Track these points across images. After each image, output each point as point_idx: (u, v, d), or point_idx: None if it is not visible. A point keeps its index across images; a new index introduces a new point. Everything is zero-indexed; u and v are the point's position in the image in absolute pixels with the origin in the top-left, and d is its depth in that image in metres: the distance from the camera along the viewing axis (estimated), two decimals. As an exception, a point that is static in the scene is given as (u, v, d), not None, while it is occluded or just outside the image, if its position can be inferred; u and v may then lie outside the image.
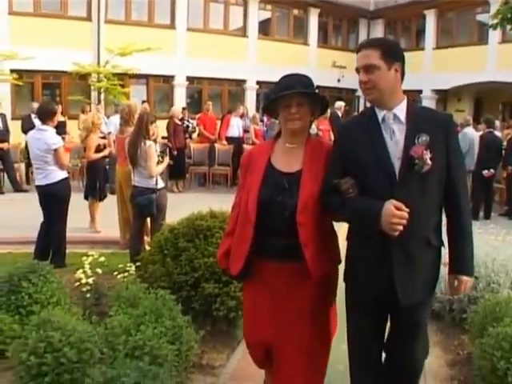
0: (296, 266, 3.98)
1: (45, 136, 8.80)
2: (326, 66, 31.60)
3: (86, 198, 11.98)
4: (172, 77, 28.43)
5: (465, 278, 3.86)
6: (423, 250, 3.79)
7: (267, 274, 4.14)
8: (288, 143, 4.20)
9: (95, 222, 12.05)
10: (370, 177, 3.71)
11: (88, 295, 6.60)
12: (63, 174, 9.00)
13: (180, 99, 28.00)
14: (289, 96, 4.02)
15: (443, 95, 31.68)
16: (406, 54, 3.91)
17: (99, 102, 24.78)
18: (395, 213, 3.53)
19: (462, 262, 3.86)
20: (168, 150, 9.49)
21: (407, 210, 3.54)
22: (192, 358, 5.39)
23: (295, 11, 32.62)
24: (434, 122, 3.74)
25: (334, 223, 4.18)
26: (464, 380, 5.60)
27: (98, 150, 11.69)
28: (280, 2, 31.60)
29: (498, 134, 15.46)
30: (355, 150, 3.78)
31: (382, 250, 3.73)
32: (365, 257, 3.87)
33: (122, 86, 24.59)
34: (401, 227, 3.55)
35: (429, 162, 3.59)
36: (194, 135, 20.68)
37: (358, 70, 3.81)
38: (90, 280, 6.77)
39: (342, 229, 4.18)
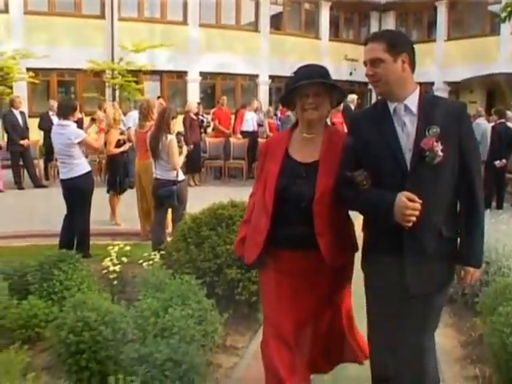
0: (311, 255, 4.06)
1: (67, 131, 9.10)
2: (338, 59, 31.56)
3: (108, 191, 12.32)
4: (185, 72, 28.59)
5: (472, 269, 3.88)
6: (436, 242, 3.76)
7: (283, 263, 4.19)
8: (305, 133, 4.23)
9: (116, 215, 12.34)
10: (381, 169, 3.72)
11: (115, 282, 6.89)
12: (86, 168, 9.31)
13: (193, 94, 28.11)
14: (306, 86, 4.06)
15: (455, 87, 31.61)
16: (417, 47, 3.95)
17: (114, 98, 25.03)
18: (408, 204, 3.56)
19: (471, 253, 3.86)
20: (183, 140, 9.75)
21: (420, 201, 3.57)
22: (217, 339, 5.62)
23: (306, 5, 32.70)
24: (447, 112, 3.72)
25: (351, 212, 4.27)
26: (476, 359, 5.79)
27: (118, 145, 12.02)
28: (291, -4, 31.77)
29: (510, 125, 15.56)
30: (367, 142, 3.78)
31: (395, 242, 3.74)
32: (378, 248, 3.89)
33: (137, 83, 24.85)
34: (414, 218, 3.58)
35: (440, 153, 3.58)
36: (209, 129, 20.89)
37: (365, 64, 3.83)
38: (117, 268, 7.06)
39: (359, 218, 4.19)
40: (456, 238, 3.89)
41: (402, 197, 3.58)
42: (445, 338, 6.18)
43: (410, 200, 3.58)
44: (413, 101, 3.78)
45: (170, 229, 9.56)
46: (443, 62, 30.81)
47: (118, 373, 4.34)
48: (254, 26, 30.75)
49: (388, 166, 3.70)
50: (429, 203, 3.62)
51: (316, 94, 4.12)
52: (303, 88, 4.10)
